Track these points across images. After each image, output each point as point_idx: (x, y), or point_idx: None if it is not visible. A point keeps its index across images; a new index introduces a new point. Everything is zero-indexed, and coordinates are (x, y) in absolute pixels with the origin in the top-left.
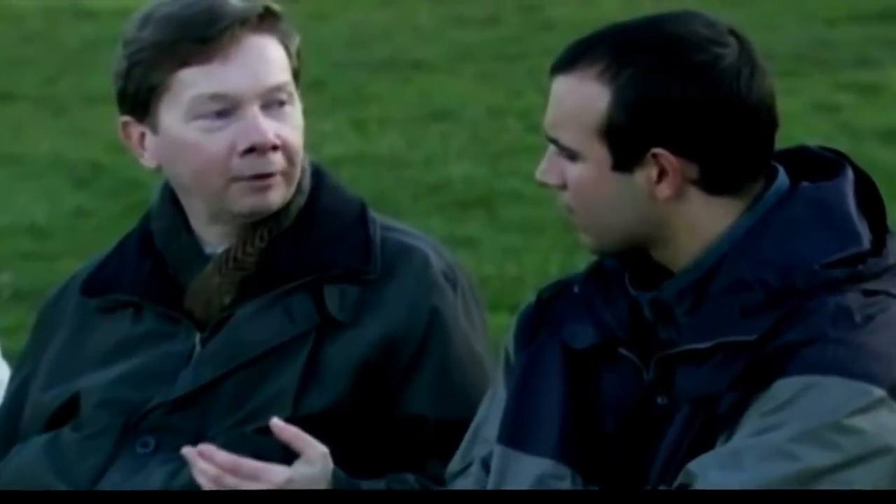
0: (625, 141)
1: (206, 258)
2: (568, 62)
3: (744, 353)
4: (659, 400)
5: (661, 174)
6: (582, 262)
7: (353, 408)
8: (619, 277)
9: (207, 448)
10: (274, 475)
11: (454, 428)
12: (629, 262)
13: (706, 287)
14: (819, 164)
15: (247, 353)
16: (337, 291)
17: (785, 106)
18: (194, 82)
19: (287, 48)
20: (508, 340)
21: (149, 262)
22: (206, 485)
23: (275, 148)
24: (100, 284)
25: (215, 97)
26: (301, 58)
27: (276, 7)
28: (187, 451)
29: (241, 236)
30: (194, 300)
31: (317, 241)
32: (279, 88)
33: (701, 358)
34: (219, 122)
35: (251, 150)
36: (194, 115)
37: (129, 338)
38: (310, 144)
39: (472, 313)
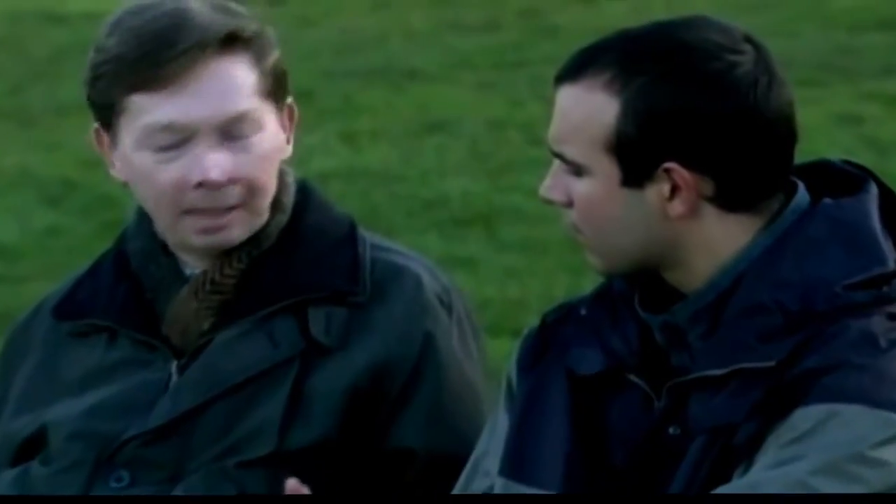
0: (634, 155)
1: (186, 280)
2: (573, 71)
3: (761, 380)
4: (671, 430)
5: (674, 190)
6: (589, 283)
7: (340, 439)
8: (628, 299)
9: None
10: None
11: (446, 462)
12: (639, 284)
13: (721, 310)
14: (841, 179)
15: (227, 381)
16: (323, 314)
17: (805, 117)
18: (146, 109)
19: (259, 68)
20: (510, 367)
21: (125, 285)
22: None
23: (232, 181)
24: (73, 308)
25: (167, 128)
26: (278, 74)
27: (249, 27)
28: None
29: (219, 257)
30: (172, 326)
31: (301, 262)
32: (239, 118)
33: (716, 385)
34: (170, 154)
35: (201, 185)
36: (145, 144)
37: (102, 365)
38: (296, 158)
39: (468, 339)
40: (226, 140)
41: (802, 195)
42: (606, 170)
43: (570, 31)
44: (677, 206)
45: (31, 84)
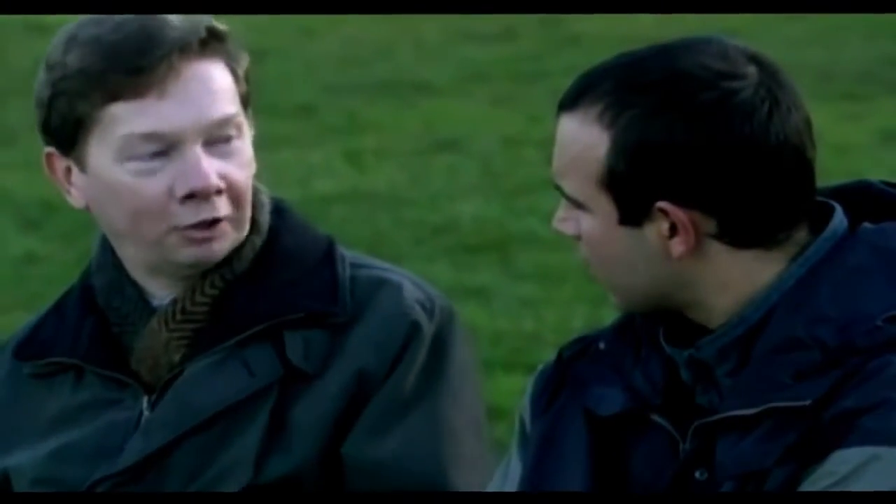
0: (627, 193)
1: (153, 311)
2: (571, 100)
3: (796, 420)
4: (697, 474)
5: (673, 229)
6: (609, 315)
7: (322, 471)
8: (651, 332)
9: None
10: None
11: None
12: (663, 316)
13: (751, 345)
14: (883, 201)
15: (200, 415)
16: (300, 338)
17: (847, 134)
18: (126, 119)
19: (234, 72)
20: (524, 406)
21: (90, 320)
22: None
23: (219, 192)
24: (34, 347)
25: (150, 137)
26: (250, 80)
27: (221, 27)
28: None
29: (189, 285)
30: (141, 360)
31: (276, 285)
32: (225, 122)
33: (745, 426)
34: (155, 164)
35: (192, 195)
36: (126, 155)
37: (68, 407)
38: (296, 179)
39: (445, 350)
40: (209, 146)
41: (839, 221)
42: (604, 207)
43: (592, 40)
44: (678, 246)
45: (11, 99)
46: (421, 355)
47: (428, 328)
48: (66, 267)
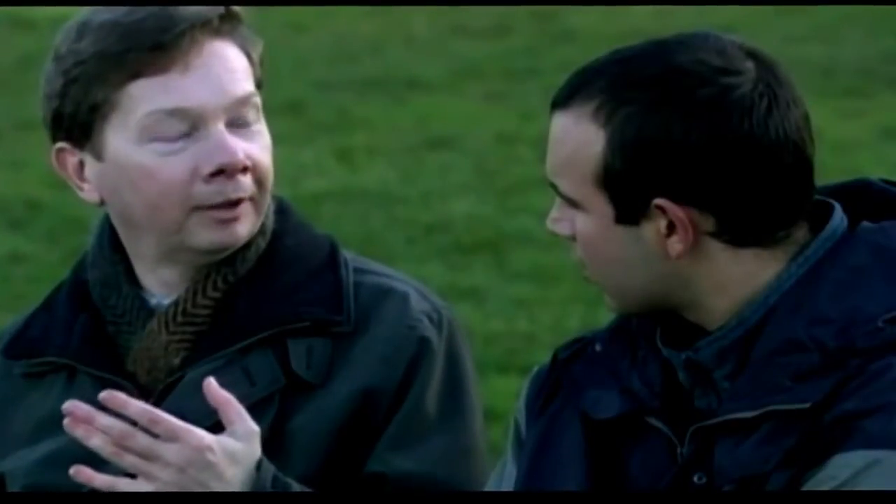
0: (624, 190)
1: (151, 312)
2: (564, 97)
3: (796, 423)
4: (696, 478)
5: (671, 227)
6: (605, 316)
7: (321, 478)
8: (648, 334)
9: (116, 397)
10: (194, 439)
11: (417, 485)
12: (660, 317)
13: (750, 347)
14: (883, 200)
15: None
16: (304, 347)
17: (848, 131)
18: (148, 97)
19: (249, 55)
20: (519, 408)
21: (83, 318)
22: (103, 448)
23: (244, 170)
24: (25, 346)
25: (175, 112)
26: (264, 66)
27: (237, 8)
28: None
29: (191, 286)
30: (137, 362)
31: (279, 290)
32: (246, 101)
33: (745, 430)
34: (178, 144)
35: (218, 172)
36: (150, 136)
37: (59, 408)
38: (286, 177)
39: (458, 363)
40: (232, 127)
41: (839, 220)
42: (600, 206)
43: (587, 36)
44: (675, 244)
45: None
46: (436, 372)
47: (438, 343)
48: (51, 267)
